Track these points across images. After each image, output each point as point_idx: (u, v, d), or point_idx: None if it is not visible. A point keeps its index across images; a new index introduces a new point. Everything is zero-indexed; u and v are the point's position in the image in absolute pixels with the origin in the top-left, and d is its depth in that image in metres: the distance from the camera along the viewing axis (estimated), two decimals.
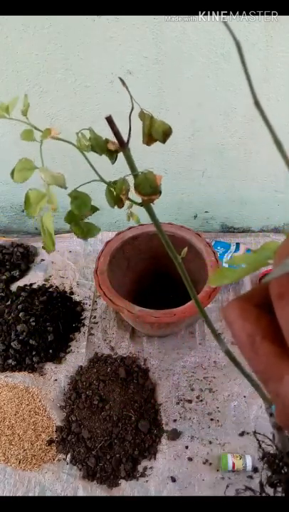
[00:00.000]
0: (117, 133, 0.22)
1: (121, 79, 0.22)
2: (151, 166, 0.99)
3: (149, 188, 0.25)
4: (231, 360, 0.33)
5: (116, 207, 0.26)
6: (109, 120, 0.21)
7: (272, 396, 0.18)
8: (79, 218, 0.28)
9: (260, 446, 0.51)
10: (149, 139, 0.25)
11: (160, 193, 0.25)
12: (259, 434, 0.52)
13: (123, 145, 0.23)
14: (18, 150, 0.95)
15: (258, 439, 0.53)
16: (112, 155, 0.25)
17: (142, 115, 0.24)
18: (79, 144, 0.26)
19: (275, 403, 0.18)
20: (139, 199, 0.27)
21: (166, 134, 0.25)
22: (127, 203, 0.27)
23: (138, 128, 0.26)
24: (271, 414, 0.41)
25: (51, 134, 0.23)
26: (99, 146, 0.25)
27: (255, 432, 0.54)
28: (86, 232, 0.28)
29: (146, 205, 0.26)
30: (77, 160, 0.29)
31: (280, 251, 0.18)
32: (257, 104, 0.18)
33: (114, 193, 0.25)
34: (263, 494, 0.51)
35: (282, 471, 0.45)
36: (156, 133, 0.26)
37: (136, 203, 0.26)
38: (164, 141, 0.26)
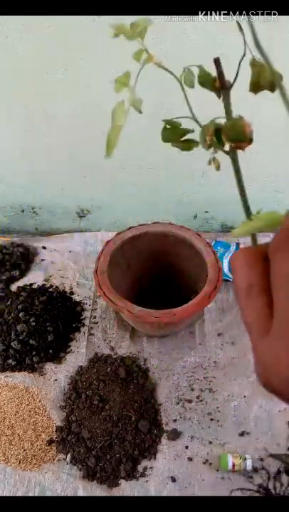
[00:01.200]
0: (221, 73, 0.24)
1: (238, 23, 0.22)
2: (151, 166, 0.99)
3: (235, 135, 0.24)
4: None
5: (206, 147, 0.26)
6: (217, 61, 0.23)
7: (252, 348, 0.18)
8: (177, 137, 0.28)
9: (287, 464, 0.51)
10: (256, 87, 0.25)
11: (251, 141, 0.24)
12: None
13: (227, 87, 0.24)
14: (20, 150, 0.95)
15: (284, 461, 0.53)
16: (216, 91, 0.26)
17: (253, 61, 0.25)
18: (184, 79, 0.26)
19: (253, 355, 0.18)
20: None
21: (273, 84, 0.25)
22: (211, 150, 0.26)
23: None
24: None
25: (153, 60, 0.25)
26: (209, 82, 0.27)
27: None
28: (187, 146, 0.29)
29: (232, 153, 0.25)
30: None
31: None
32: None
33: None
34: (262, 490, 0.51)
35: None
36: (264, 81, 0.26)
37: (220, 148, 0.26)
38: (272, 90, 0.26)
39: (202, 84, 0.25)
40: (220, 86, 0.24)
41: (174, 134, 0.28)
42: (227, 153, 0.25)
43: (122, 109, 0.24)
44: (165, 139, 0.26)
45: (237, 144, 0.24)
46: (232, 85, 0.24)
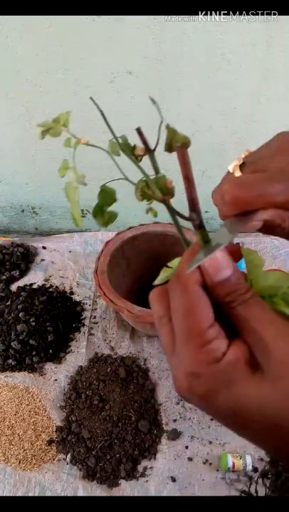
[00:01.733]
0: (145, 142, 0.26)
1: (152, 99, 0.24)
2: (151, 166, 0.99)
3: (161, 190, 0.28)
4: None
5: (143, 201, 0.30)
6: (139, 131, 0.25)
7: (170, 365, 0.22)
8: (104, 207, 0.32)
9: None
10: (170, 148, 0.29)
11: (172, 195, 0.28)
12: None
13: (150, 151, 0.27)
14: (20, 150, 0.95)
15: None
16: (137, 158, 0.29)
17: (169, 128, 0.27)
18: (111, 150, 0.30)
19: (171, 371, 0.22)
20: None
21: (185, 145, 0.28)
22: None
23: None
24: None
25: (82, 141, 0.29)
26: (129, 150, 0.29)
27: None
28: (108, 219, 0.33)
29: (163, 203, 0.29)
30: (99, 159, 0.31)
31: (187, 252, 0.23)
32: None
33: (140, 189, 0.29)
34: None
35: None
36: (177, 142, 0.29)
37: (151, 200, 0.30)
38: (186, 147, 0.29)
39: (124, 152, 0.29)
40: (146, 150, 0.27)
41: (106, 198, 0.32)
42: (160, 201, 0.28)
43: (72, 187, 0.28)
44: (100, 202, 0.31)
45: (163, 198, 0.27)
46: (154, 149, 0.27)
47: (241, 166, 0.27)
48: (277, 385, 0.19)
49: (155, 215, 0.35)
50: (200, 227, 0.23)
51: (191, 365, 0.20)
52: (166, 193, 0.28)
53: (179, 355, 0.21)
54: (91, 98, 0.26)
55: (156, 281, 0.27)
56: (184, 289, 0.21)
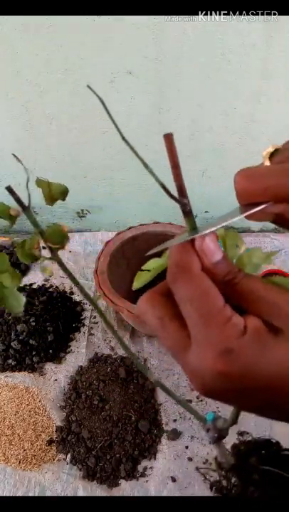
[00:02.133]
0: (18, 200, 0.26)
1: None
2: (151, 166, 0.99)
3: (59, 238, 0.30)
4: (161, 389, 0.40)
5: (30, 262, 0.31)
6: (10, 190, 0.25)
7: (182, 367, 0.22)
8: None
9: (205, 478, 0.53)
10: (51, 199, 0.31)
11: (67, 239, 0.30)
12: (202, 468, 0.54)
13: (25, 209, 0.28)
14: (20, 150, 0.95)
15: (202, 473, 0.54)
16: (13, 219, 0.30)
17: (40, 182, 0.29)
18: None
19: (185, 372, 0.22)
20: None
21: (64, 193, 0.30)
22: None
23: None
24: (208, 430, 0.43)
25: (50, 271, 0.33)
26: (4, 213, 0.29)
27: (197, 468, 0.56)
28: None
29: (54, 255, 0.31)
30: None
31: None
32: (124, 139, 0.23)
33: (26, 251, 0.30)
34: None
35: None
36: (56, 194, 0.31)
37: (47, 259, 0.32)
38: (63, 198, 0.32)
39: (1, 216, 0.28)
40: (22, 208, 0.27)
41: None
42: (50, 259, 0.30)
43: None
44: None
45: (60, 246, 0.30)
46: (28, 206, 0.28)
47: (275, 153, 0.27)
48: None
49: (51, 274, 0.38)
50: (189, 212, 0.23)
51: (222, 343, 0.19)
52: (63, 239, 0.30)
53: (202, 343, 0.20)
54: (88, 86, 0.26)
55: (135, 286, 0.27)
56: (189, 276, 0.21)
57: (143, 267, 0.27)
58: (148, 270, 0.27)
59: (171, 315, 0.22)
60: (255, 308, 0.21)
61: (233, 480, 0.51)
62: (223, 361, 0.19)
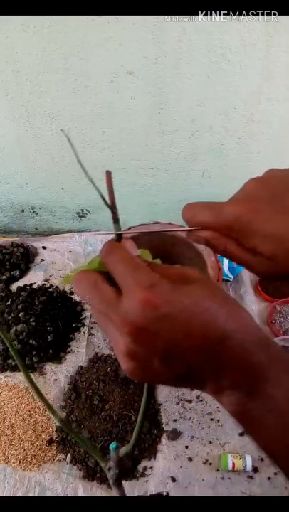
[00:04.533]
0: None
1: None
2: (151, 166, 0.99)
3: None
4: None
5: None
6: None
7: (114, 320, 0.25)
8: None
9: None
10: None
11: None
12: None
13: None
14: (20, 150, 0.95)
15: None
16: None
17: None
18: None
19: (117, 324, 0.25)
20: None
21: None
22: None
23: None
24: (109, 469, 0.43)
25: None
26: None
27: None
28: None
29: None
30: None
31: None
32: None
33: None
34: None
35: None
36: None
37: None
38: None
39: None
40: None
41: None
42: None
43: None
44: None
45: None
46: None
47: None
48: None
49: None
50: (116, 220, 0.30)
51: (147, 281, 0.24)
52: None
53: (131, 287, 0.24)
54: (62, 130, 0.29)
55: (60, 283, 0.30)
56: (119, 248, 0.28)
57: (70, 272, 0.31)
58: (72, 274, 0.30)
59: (103, 279, 0.27)
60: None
61: None
62: (149, 293, 0.24)
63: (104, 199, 0.29)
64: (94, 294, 0.26)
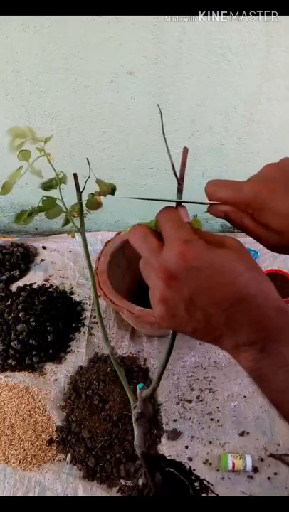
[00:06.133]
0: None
1: None
2: (151, 166, 0.99)
3: (91, 204, 0.47)
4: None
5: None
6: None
7: (155, 265, 0.29)
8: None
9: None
10: (103, 193, 0.44)
11: (101, 204, 0.47)
12: None
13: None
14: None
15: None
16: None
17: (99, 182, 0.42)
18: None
19: (157, 269, 0.28)
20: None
21: (113, 190, 0.44)
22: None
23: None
24: (135, 407, 0.49)
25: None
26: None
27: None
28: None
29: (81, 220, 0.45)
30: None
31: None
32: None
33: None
34: None
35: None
36: (108, 189, 0.45)
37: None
38: (113, 193, 0.46)
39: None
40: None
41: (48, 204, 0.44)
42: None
43: (18, 174, 0.38)
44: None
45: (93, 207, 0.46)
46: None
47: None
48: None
49: (73, 236, 0.53)
50: (180, 191, 0.35)
51: (185, 236, 0.28)
52: (97, 206, 0.45)
53: (173, 239, 0.28)
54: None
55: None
56: (171, 210, 0.32)
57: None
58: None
59: (153, 233, 0.31)
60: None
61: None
62: (185, 246, 0.27)
63: (174, 170, 0.34)
64: (143, 243, 0.30)
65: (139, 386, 0.47)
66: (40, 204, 0.48)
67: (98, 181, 0.40)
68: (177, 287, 0.28)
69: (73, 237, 0.52)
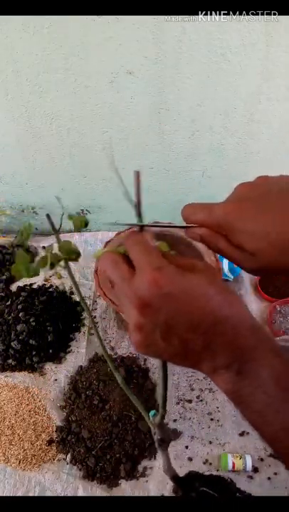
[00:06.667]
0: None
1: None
2: (151, 166, 0.99)
3: (66, 252, 0.42)
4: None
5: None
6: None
7: (127, 292, 0.29)
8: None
9: None
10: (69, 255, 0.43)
11: (79, 254, 0.42)
12: None
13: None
14: (20, 150, 0.95)
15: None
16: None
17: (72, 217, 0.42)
18: None
19: (129, 296, 0.28)
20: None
21: (86, 223, 0.42)
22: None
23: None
24: (154, 433, 0.48)
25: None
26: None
27: None
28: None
29: (66, 265, 0.41)
30: None
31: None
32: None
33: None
34: None
35: None
36: (81, 223, 0.43)
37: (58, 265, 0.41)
38: (86, 226, 0.43)
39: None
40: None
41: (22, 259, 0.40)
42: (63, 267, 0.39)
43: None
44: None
45: (70, 257, 0.40)
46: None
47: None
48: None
49: (60, 277, 0.46)
50: (139, 215, 0.35)
51: (156, 263, 0.28)
52: (73, 253, 0.41)
53: (143, 266, 0.28)
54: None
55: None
56: (137, 234, 0.33)
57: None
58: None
59: (123, 259, 0.31)
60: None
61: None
62: (156, 273, 0.27)
63: (128, 196, 0.34)
64: (113, 270, 0.30)
65: (152, 413, 0.47)
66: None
67: (70, 217, 0.41)
68: (151, 314, 0.27)
69: (60, 278, 0.50)
